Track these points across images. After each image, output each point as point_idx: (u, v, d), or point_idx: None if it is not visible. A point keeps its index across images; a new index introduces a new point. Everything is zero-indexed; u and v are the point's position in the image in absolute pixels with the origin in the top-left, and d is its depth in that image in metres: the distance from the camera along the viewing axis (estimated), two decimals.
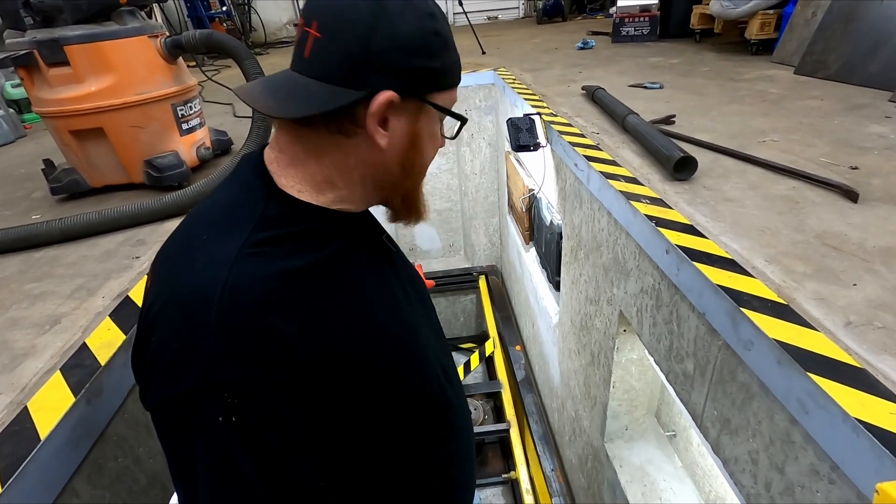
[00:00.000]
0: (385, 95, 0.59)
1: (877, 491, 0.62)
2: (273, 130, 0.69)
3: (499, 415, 3.75)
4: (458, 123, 0.70)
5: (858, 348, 0.88)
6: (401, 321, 0.73)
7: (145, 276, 1.37)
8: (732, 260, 1.15)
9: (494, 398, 3.92)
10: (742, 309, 0.97)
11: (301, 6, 7.40)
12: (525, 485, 2.89)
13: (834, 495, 0.80)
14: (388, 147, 0.64)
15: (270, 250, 0.59)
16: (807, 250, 1.19)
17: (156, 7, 5.81)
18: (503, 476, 3.34)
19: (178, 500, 0.61)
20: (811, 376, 0.81)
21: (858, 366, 0.82)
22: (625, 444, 1.99)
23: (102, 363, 1.02)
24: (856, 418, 0.73)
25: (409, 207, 0.75)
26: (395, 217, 0.76)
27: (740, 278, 1.07)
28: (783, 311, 0.96)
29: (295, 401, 0.56)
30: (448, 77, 0.65)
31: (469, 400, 3.79)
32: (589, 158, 1.83)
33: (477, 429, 3.31)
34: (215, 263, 0.56)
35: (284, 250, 0.60)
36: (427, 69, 0.62)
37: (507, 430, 3.28)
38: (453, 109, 0.68)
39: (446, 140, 0.72)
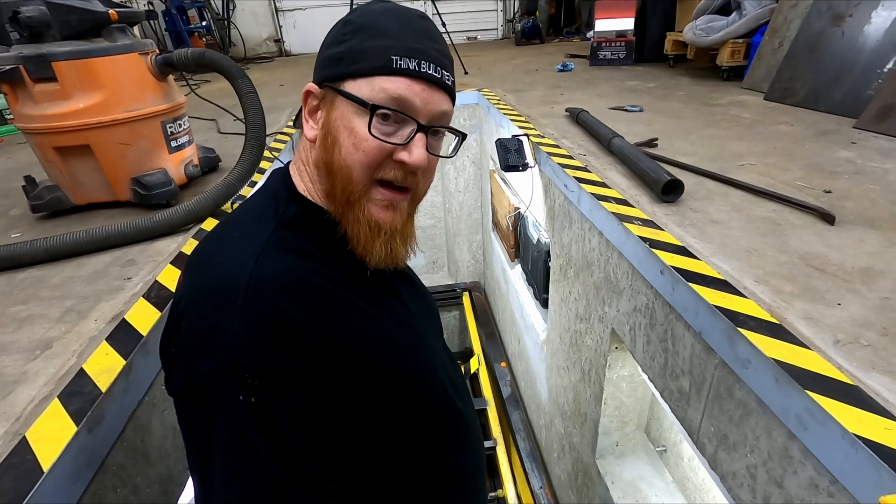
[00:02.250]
0: (307, 86, 0.68)
1: None
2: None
3: (484, 432, 3.74)
4: (455, 140, 0.73)
5: (848, 366, 0.93)
6: (409, 331, 0.75)
7: (141, 299, 1.35)
8: (725, 281, 1.20)
9: (480, 415, 3.90)
10: (739, 329, 1.02)
11: (281, 23, 7.38)
12: (513, 502, 2.88)
13: None
14: (316, 141, 0.69)
15: (293, 246, 0.64)
16: (792, 271, 1.25)
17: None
18: (490, 495, 3.31)
19: (194, 484, 0.62)
20: (809, 394, 0.85)
21: (852, 383, 0.87)
22: (616, 461, 2.01)
23: (103, 390, 0.99)
24: (854, 434, 0.77)
25: (351, 234, 0.67)
26: (353, 246, 0.68)
27: (734, 298, 1.12)
28: (777, 331, 1.01)
29: (307, 390, 0.59)
30: (356, 61, 0.63)
31: None
32: (579, 180, 1.88)
33: None
34: (243, 256, 0.61)
35: (303, 248, 0.65)
36: (333, 56, 0.66)
37: (494, 448, 3.27)
38: (397, 97, 0.63)
39: (402, 147, 0.64)
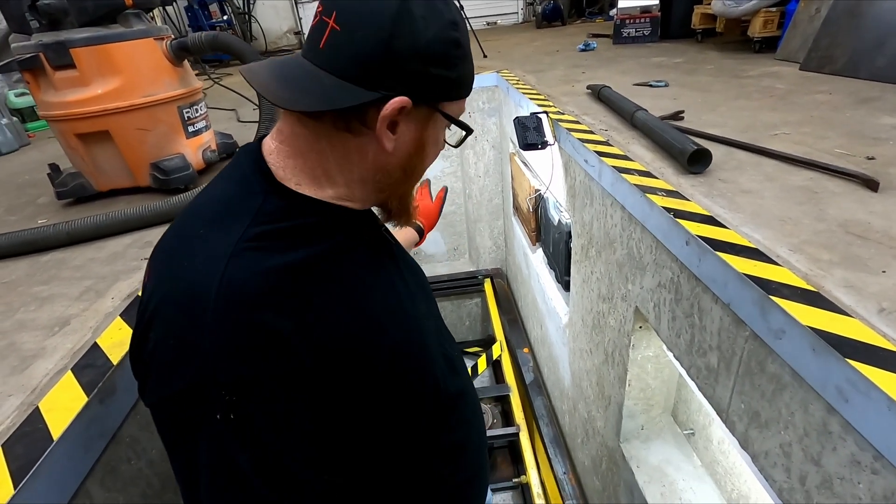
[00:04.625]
0: (399, 101, 0.58)
1: None
2: (278, 121, 0.68)
3: (507, 419, 3.71)
4: (463, 133, 0.70)
5: (895, 334, 0.85)
6: (401, 314, 0.71)
7: None
8: (756, 249, 1.12)
9: (503, 402, 3.87)
10: (771, 297, 0.95)
11: (301, 15, 7.42)
12: (536, 489, 2.85)
13: (878, 485, 0.77)
14: (394, 151, 0.63)
15: (268, 244, 0.58)
16: (830, 239, 1.17)
17: (158, 15, 5.84)
18: (513, 480, 3.29)
19: (181, 495, 0.60)
20: (850, 362, 0.78)
21: None
22: (641, 444, 1.95)
23: (115, 362, 0.99)
24: None
25: (402, 209, 0.75)
26: (386, 218, 0.76)
27: (766, 267, 1.05)
28: (814, 299, 0.94)
29: (293, 398, 0.55)
30: (462, 88, 0.66)
31: None
32: (600, 154, 1.81)
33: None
34: (212, 258, 0.55)
35: (282, 244, 0.59)
36: (443, 78, 0.61)
37: (517, 434, 3.24)
38: (460, 118, 0.68)
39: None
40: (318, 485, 0.59)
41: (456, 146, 0.73)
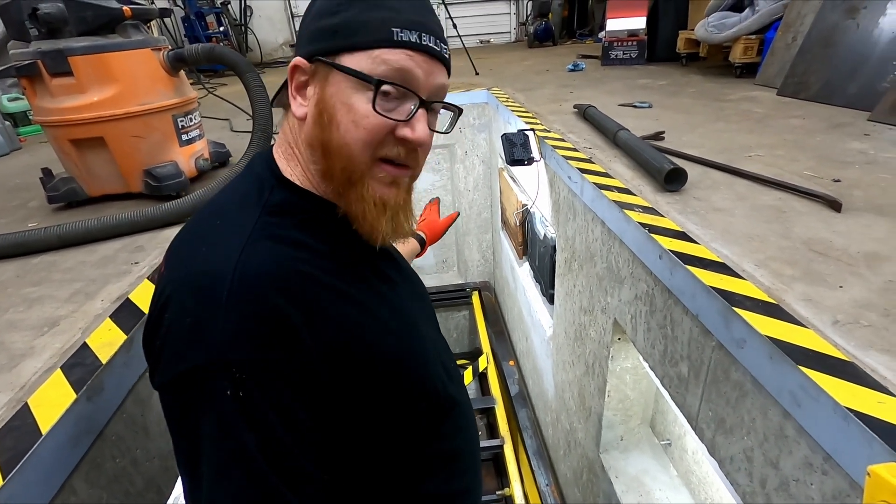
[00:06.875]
0: (294, 60, 0.63)
1: (868, 473, 0.64)
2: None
3: (492, 431, 3.73)
4: (451, 114, 0.71)
5: (846, 345, 0.91)
6: (402, 318, 0.73)
7: (146, 280, 1.38)
8: (723, 263, 1.18)
9: (488, 414, 3.89)
10: (734, 308, 1.00)
11: (296, 28, 7.48)
12: (519, 501, 2.86)
13: (827, 486, 0.82)
14: (306, 118, 0.65)
15: (279, 234, 0.61)
16: (794, 255, 1.23)
17: (154, 25, 5.90)
18: (497, 493, 3.29)
19: (182, 482, 0.61)
20: (803, 369, 0.84)
21: (847, 359, 0.85)
22: (620, 455, 1.99)
23: (104, 362, 1.02)
24: (846, 407, 0.75)
25: (356, 213, 0.66)
26: (356, 225, 0.67)
27: (731, 280, 1.11)
28: (773, 310, 1.00)
29: (298, 385, 0.57)
30: (355, 33, 0.60)
31: None
32: (582, 171, 1.88)
33: None
34: (228, 245, 0.58)
35: (291, 236, 0.62)
36: (327, 27, 0.61)
37: (501, 447, 3.26)
38: (399, 69, 0.60)
39: (418, 129, 0.63)
40: (317, 478, 0.59)
41: (446, 132, 0.70)
